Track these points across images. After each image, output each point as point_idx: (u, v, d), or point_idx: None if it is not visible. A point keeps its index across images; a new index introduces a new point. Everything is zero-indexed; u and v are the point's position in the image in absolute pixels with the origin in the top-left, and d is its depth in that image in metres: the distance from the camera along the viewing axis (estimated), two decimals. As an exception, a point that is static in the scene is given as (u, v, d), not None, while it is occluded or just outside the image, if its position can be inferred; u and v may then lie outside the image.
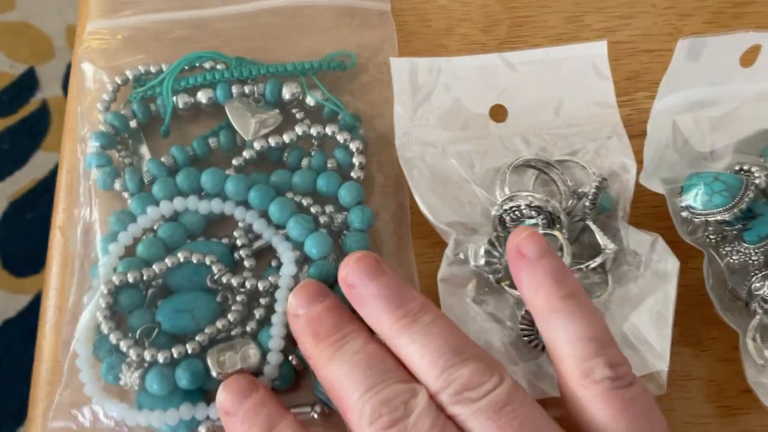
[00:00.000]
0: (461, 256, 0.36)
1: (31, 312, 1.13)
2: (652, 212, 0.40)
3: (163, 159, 0.38)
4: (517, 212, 0.36)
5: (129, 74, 0.40)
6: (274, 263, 0.38)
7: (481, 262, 0.36)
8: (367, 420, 0.29)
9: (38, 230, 1.19)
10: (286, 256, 0.36)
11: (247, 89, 0.40)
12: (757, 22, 0.46)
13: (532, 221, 0.36)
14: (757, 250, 0.36)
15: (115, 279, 0.35)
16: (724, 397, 0.37)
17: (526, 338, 0.35)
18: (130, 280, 0.35)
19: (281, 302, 0.35)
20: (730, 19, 0.46)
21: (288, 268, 0.36)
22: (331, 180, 0.38)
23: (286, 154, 0.40)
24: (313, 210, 0.38)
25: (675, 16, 0.46)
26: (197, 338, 0.35)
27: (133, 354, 0.34)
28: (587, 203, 0.37)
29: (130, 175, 0.38)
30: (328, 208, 0.38)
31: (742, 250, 0.36)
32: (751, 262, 0.36)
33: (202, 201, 0.37)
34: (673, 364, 0.36)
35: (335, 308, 0.33)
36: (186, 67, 0.41)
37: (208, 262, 0.36)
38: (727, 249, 0.36)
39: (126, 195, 0.38)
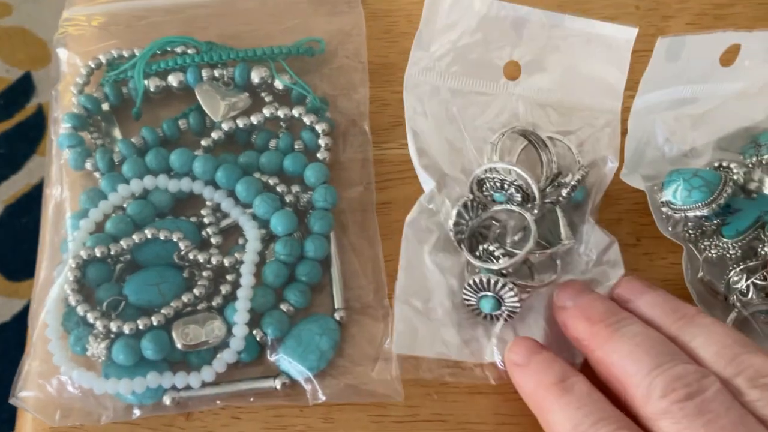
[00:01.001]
0: (432, 207, 0.37)
1: (26, 317, 1.14)
2: (634, 208, 0.41)
3: (133, 140, 0.39)
4: (498, 183, 0.36)
5: (102, 58, 0.41)
6: (241, 241, 0.38)
7: (450, 224, 0.37)
8: (659, 393, 0.29)
9: (33, 234, 1.20)
10: (252, 233, 0.37)
11: (216, 73, 0.41)
12: (738, 23, 0.46)
13: (506, 195, 0.37)
14: (734, 245, 0.36)
15: (83, 253, 0.36)
16: None
17: (466, 301, 0.36)
18: (98, 254, 0.36)
19: (246, 277, 0.36)
20: (712, 20, 0.47)
21: (253, 245, 0.37)
22: (297, 161, 0.39)
23: (254, 136, 0.40)
24: (279, 189, 0.39)
25: (658, 17, 0.47)
26: (163, 311, 0.35)
27: (99, 325, 0.35)
28: (564, 193, 0.37)
29: (101, 155, 0.39)
30: (294, 188, 0.39)
31: (721, 244, 0.37)
32: (728, 256, 0.37)
33: (171, 180, 0.38)
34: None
35: (605, 298, 0.34)
36: (158, 52, 0.42)
37: (175, 239, 0.37)
38: (706, 243, 0.37)
39: (97, 175, 0.39)
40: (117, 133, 0.41)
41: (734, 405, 0.28)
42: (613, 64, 0.39)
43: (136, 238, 0.37)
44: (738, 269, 0.36)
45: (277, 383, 0.36)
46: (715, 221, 0.37)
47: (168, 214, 0.39)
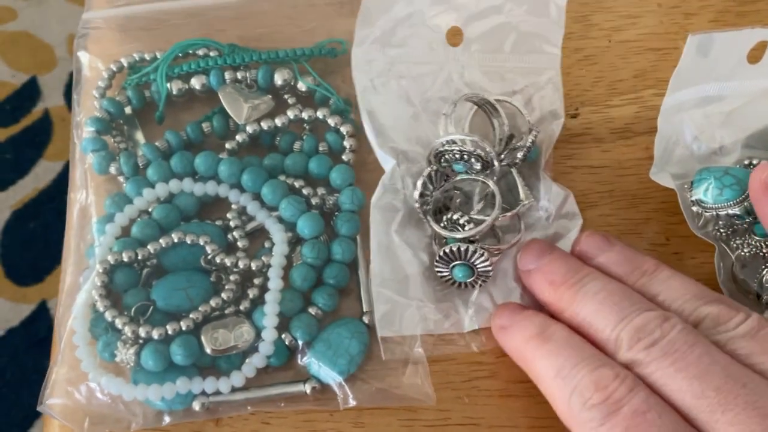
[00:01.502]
0: (397, 185, 0.38)
1: (34, 321, 1.14)
2: (662, 207, 0.40)
3: (157, 143, 0.39)
4: (456, 155, 0.37)
5: (124, 61, 0.41)
6: (267, 244, 0.38)
7: (416, 194, 0.37)
8: (626, 345, 0.30)
9: (41, 239, 1.20)
10: (278, 236, 0.37)
11: (239, 75, 0.41)
12: (762, 20, 0.46)
13: (466, 165, 0.37)
14: (767, 243, 0.36)
15: (111, 258, 0.36)
16: None
17: (439, 274, 0.37)
18: (125, 259, 0.36)
19: (274, 280, 0.36)
20: (734, 17, 0.46)
21: (280, 248, 0.37)
22: (323, 163, 0.39)
23: (278, 138, 0.40)
24: (305, 192, 0.38)
25: (680, 15, 0.46)
26: (191, 316, 0.35)
27: (128, 331, 0.35)
28: (520, 155, 0.38)
29: (125, 159, 0.38)
30: (320, 190, 0.39)
31: (753, 242, 0.37)
32: (762, 254, 0.36)
33: (196, 183, 0.38)
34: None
35: (565, 257, 0.35)
36: (180, 55, 0.42)
37: (201, 243, 0.37)
38: (738, 242, 0.37)
39: (121, 179, 0.39)
40: (140, 136, 0.41)
41: (699, 340, 0.29)
42: (548, 18, 0.40)
43: (162, 242, 0.36)
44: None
45: (307, 387, 0.35)
46: (747, 219, 0.36)
47: (194, 217, 0.39)
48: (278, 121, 0.40)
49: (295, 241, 0.38)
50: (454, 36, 0.41)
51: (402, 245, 0.37)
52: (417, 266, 0.37)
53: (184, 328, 0.35)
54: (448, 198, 0.38)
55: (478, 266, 0.36)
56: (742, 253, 0.37)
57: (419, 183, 0.37)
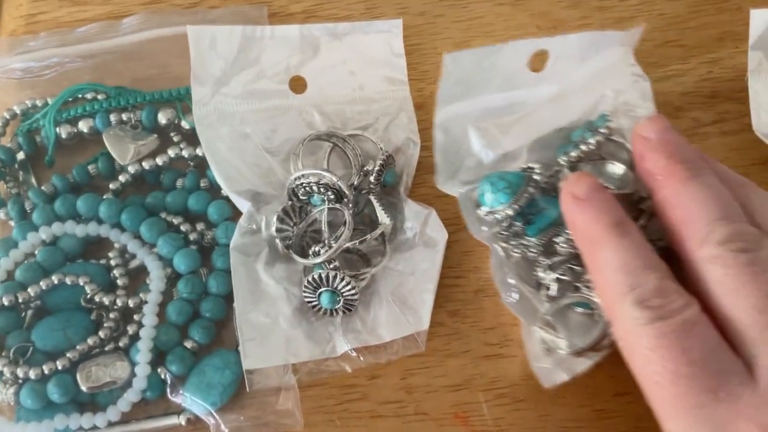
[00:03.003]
0: (254, 226, 0.39)
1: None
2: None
3: (43, 187, 0.41)
4: (307, 188, 0.38)
5: (17, 109, 0.43)
6: (148, 281, 0.40)
7: (273, 230, 0.38)
8: (718, 239, 0.29)
9: None
10: (155, 273, 0.39)
11: (125, 117, 0.42)
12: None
13: (321, 197, 0.39)
14: (537, 242, 0.37)
15: (-9, 302, 0.37)
16: (598, 401, 0.38)
17: (309, 303, 0.38)
18: (5, 302, 0.37)
19: (149, 316, 0.38)
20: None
21: (156, 284, 0.38)
22: (201, 198, 0.40)
23: (162, 176, 0.42)
24: (183, 228, 0.40)
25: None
26: (68, 354, 0.37)
27: (7, 372, 0.36)
28: (372, 179, 0.39)
29: (12, 204, 0.40)
30: (199, 226, 0.40)
31: (524, 242, 0.38)
32: (531, 253, 0.37)
33: (79, 225, 0.40)
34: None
35: (689, 145, 0.33)
36: (70, 99, 0.43)
37: (81, 283, 0.38)
38: (512, 243, 0.38)
39: (12, 223, 0.40)
40: (33, 181, 0.42)
41: None
42: (391, 53, 0.42)
43: (43, 284, 0.38)
44: (543, 266, 0.37)
45: (182, 419, 0.37)
46: (520, 222, 0.38)
47: (79, 258, 0.40)
48: (159, 160, 0.41)
49: (175, 277, 0.39)
50: (298, 85, 0.42)
51: (269, 280, 0.38)
52: (285, 298, 0.38)
53: (60, 368, 0.36)
54: (315, 231, 0.39)
55: (342, 291, 0.37)
56: (514, 253, 0.38)
57: (274, 218, 0.38)
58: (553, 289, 0.37)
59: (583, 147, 0.38)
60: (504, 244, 0.38)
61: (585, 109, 0.41)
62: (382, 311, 0.38)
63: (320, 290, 0.37)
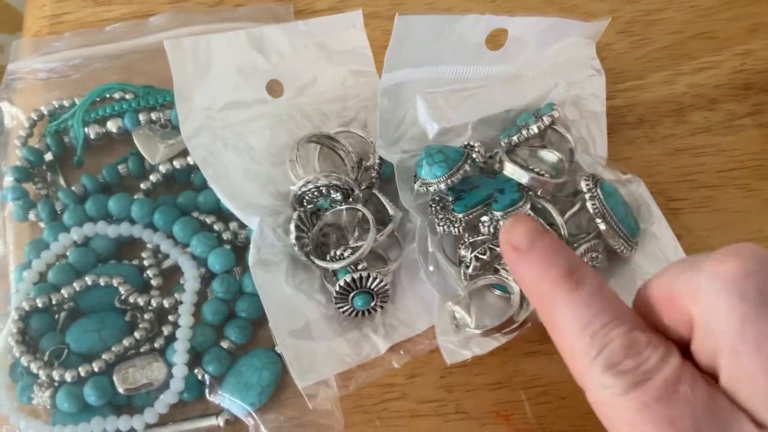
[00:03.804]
0: (268, 240, 0.37)
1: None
2: None
3: (74, 188, 0.40)
4: (315, 192, 0.37)
5: (44, 110, 0.43)
6: (182, 281, 0.39)
7: (292, 239, 0.37)
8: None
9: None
10: (189, 272, 0.38)
11: (154, 116, 0.42)
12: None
13: (329, 199, 0.38)
14: (462, 219, 0.37)
15: (25, 305, 0.37)
16: None
17: (340, 309, 0.37)
18: (39, 305, 0.37)
19: (184, 317, 0.37)
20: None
21: (191, 284, 0.38)
22: (234, 197, 0.40)
23: (193, 175, 0.41)
24: (216, 227, 0.39)
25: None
26: (104, 356, 0.36)
27: (42, 375, 0.36)
28: (373, 174, 0.39)
29: (43, 206, 0.40)
30: (232, 225, 0.40)
31: (451, 218, 0.37)
32: (455, 229, 0.37)
33: (110, 225, 0.39)
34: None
35: (561, 246, 0.29)
36: (98, 99, 0.43)
37: (115, 284, 0.38)
38: (440, 216, 0.38)
39: (42, 225, 0.40)
40: (62, 182, 0.42)
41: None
42: (357, 47, 0.42)
43: (76, 285, 0.37)
44: (466, 243, 0.37)
45: (220, 420, 0.36)
46: (450, 197, 0.37)
47: (111, 258, 0.40)
48: (190, 159, 0.41)
49: (209, 277, 0.39)
50: (276, 88, 0.41)
51: (296, 293, 0.37)
52: (315, 308, 0.37)
53: (96, 370, 0.36)
54: (324, 236, 0.39)
55: (375, 290, 0.37)
56: (439, 228, 0.37)
57: (292, 227, 0.37)
58: (472, 267, 0.37)
59: (524, 132, 0.38)
60: (431, 217, 0.38)
61: (537, 95, 0.41)
62: (412, 302, 0.38)
63: (352, 294, 0.37)
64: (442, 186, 0.36)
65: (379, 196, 0.39)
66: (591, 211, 0.36)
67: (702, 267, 0.24)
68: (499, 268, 0.37)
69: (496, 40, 0.40)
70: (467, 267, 0.37)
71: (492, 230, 0.37)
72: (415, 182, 0.38)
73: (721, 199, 0.41)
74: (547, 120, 0.38)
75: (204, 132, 0.39)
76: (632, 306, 0.28)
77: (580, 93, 0.42)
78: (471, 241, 0.37)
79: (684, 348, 0.26)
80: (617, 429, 0.25)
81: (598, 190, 0.37)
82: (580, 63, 0.42)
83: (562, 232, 0.37)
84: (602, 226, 0.36)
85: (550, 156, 0.39)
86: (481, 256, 0.36)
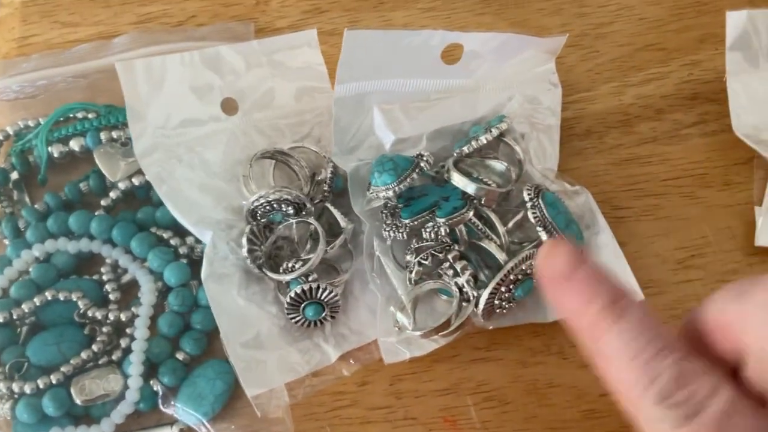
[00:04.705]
0: (221, 254, 0.39)
1: None
2: None
3: (36, 206, 0.41)
4: (267, 206, 0.39)
5: (9, 130, 0.44)
6: (140, 294, 0.40)
7: (245, 252, 0.38)
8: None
9: None
10: (146, 286, 0.39)
11: (115, 134, 0.43)
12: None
13: (282, 213, 0.39)
14: (408, 225, 0.38)
15: (-14, 320, 0.38)
16: (585, 401, 0.39)
17: (292, 319, 0.38)
18: (1, 319, 0.38)
19: (140, 329, 0.38)
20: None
21: (147, 298, 0.39)
22: (190, 212, 0.41)
23: (152, 192, 0.42)
24: (173, 242, 0.41)
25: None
26: (62, 369, 0.38)
27: (3, 387, 0.37)
28: (325, 187, 0.40)
29: (6, 223, 0.41)
30: (189, 240, 0.41)
31: (397, 224, 0.39)
32: (399, 234, 0.38)
33: (71, 241, 0.40)
34: (536, 374, 0.39)
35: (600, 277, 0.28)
36: (61, 119, 0.44)
37: (74, 299, 0.39)
38: (387, 222, 0.39)
39: (6, 242, 0.41)
40: (27, 200, 0.43)
41: None
42: (312, 64, 0.43)
43: (36, 300, 0.39)
44: (412, 249, 0.39)
45: (174, 430, 0.37)
46: (398, 204, 0.39)
47: (72, 273, 0.41)
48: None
49: (166, 290, 0.40)
50: (230, 105, 0.42)
51: (248, 305, 0.38)
52: (267, 319, 0.38)
53: (54, 382, 0.37)
54: (278, 248, 0.40)
55: (325, 300, 0.38)
56: (385, 234, 0.39)
57: (244, 240, 0.39)
58: (415, 272, 0.38)
59: (474, 143, 0.39)
60: (379, 223, 0.39)
61: (491, 108, 0.42)
62: (363, 312, 0.39)
63: (303, 304, 0.38)
64: (390, 193, 0.38)
65: (331, 209, 0.40)
66: (532, 220, 0.38)
67: (752, 296, 0.25)
68: (442, 273, 0.38)
69: (452, 54, 0.41)
70: (410, 272, 0.38)
71: (434, 236, 0.38)
72: (368, 189, 0.39)
73: (665, 207, 0.42)
74: (495, 132, 0.40)
75: (158, 150, 0.40)
76: (680, 332, 0.28)
77: (536, 106, 0.43)
78: (416, 247, 0.38)
79: (731, 371, 0.26)
80: None
81: (540, 200, 0.38)
82: (538, 77, 0.43)
83: (504, 240, 0.38)
84: (543, 235, 0.37)
85: (499, 166, 0.40)
86: (423, 261, 0.38)
